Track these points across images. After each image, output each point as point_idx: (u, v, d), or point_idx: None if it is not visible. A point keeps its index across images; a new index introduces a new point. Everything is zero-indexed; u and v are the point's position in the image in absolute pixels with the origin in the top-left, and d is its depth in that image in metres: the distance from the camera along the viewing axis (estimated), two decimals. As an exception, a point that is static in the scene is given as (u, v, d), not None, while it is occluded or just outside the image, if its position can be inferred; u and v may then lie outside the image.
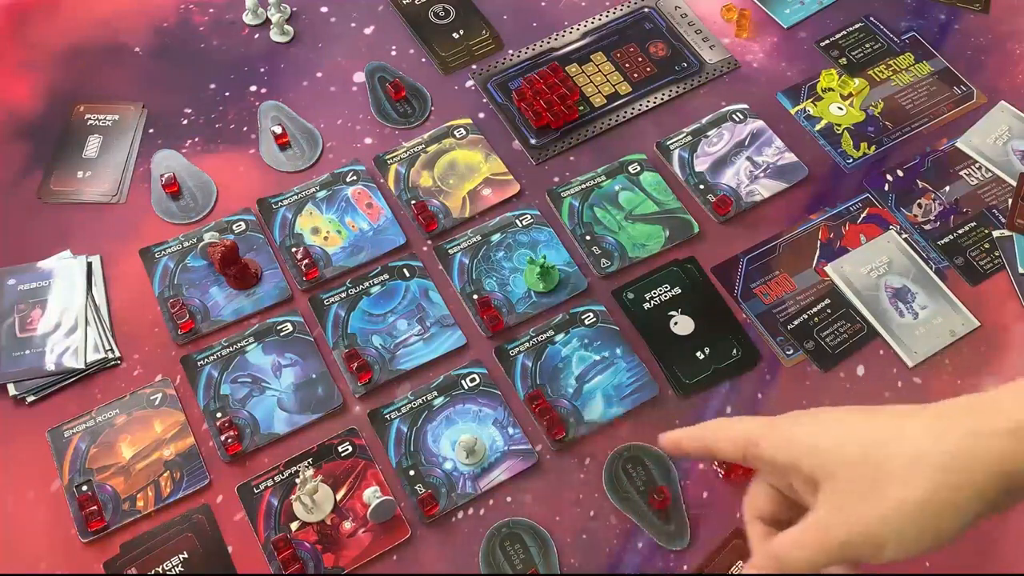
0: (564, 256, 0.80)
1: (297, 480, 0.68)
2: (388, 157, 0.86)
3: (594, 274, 0.80)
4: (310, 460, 0.70)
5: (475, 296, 0.78)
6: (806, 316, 0.78)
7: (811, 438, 0.46)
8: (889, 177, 0.86)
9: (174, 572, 0.66)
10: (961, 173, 0.86)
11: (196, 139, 0.87)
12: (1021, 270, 0.81)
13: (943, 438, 0.43)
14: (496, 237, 0.81)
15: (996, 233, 0.83)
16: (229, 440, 0.70)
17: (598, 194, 0.84)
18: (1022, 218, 0.83)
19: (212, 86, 0.90)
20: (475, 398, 0.73)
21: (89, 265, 0.78)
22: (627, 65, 0.93)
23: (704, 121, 0.89)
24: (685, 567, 0.67)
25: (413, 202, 0.82)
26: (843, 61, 0.94)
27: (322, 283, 0.79)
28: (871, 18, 0.97)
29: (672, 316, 0.77)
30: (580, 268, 0.80)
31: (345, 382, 0.74)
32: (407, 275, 0.79)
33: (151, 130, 0.87)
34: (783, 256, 0.81)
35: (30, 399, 0.72)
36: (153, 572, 0.66)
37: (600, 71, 0.92)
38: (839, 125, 0.89)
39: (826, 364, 0.76)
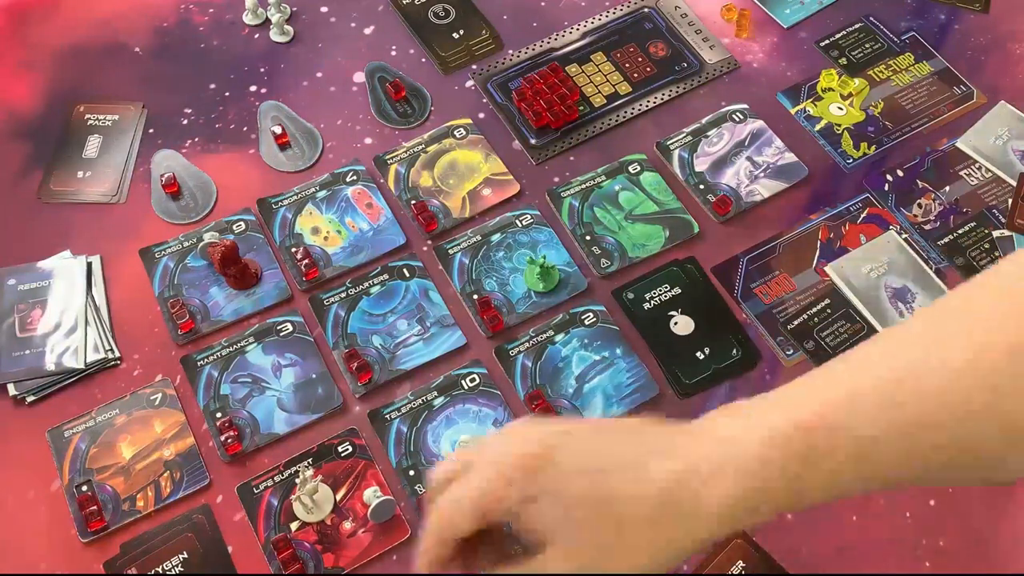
0: (564, 256, 0.80)
1: (297, 480, 0.68)
2: (388, 157, 0.86)
3: (594, 274, 0.80)
4: (310, 460, 0.70)
5: (475, 296, 0.78)
6: (806, 316, 0.78)
7: (547, 507, 0.44)
8: (889, 177, 0.86)
9: (174, 572, 0.66)
10: (961, 173, 0.86)
11: (196, 139, 0.87)
12: (1021, 270, 0.81)
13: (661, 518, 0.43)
14: (496, 237, 0.81)
15: (996, 233, 0.83)
16: (229, 440, 0.70)
17: (598, 194, 0.84)
18: (1022, 218, 0.83)
19: (212, 86, 0.90)
20: (475, 398, 0.73)
21: (89, 265, 0.78)
22: (627, 65, 0.93)
23: (704, 121, 0.89)
24: (685, 567, 0.67)
25: (413, 202, 0.82)
26: (843, 61, 0.94)
27: (322, 283, 0.79)
28: (871, 18, 0.97)
29: (672, 316, 0.77)
30: (580, 268, 0.80)
31: (345, 382, 0.74)
32: (407, 275, 0.79)
33: (151, 130, 0.87)
34: (783, 256, 0.81)
35: (30, 399, 0.72)
36: (153, 572, 0.66)
37: (600, 71, 0.92)
38: (839, 125, 0.89)
39: (826, 364, 0.76)
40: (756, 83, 0.92)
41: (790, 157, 0.87)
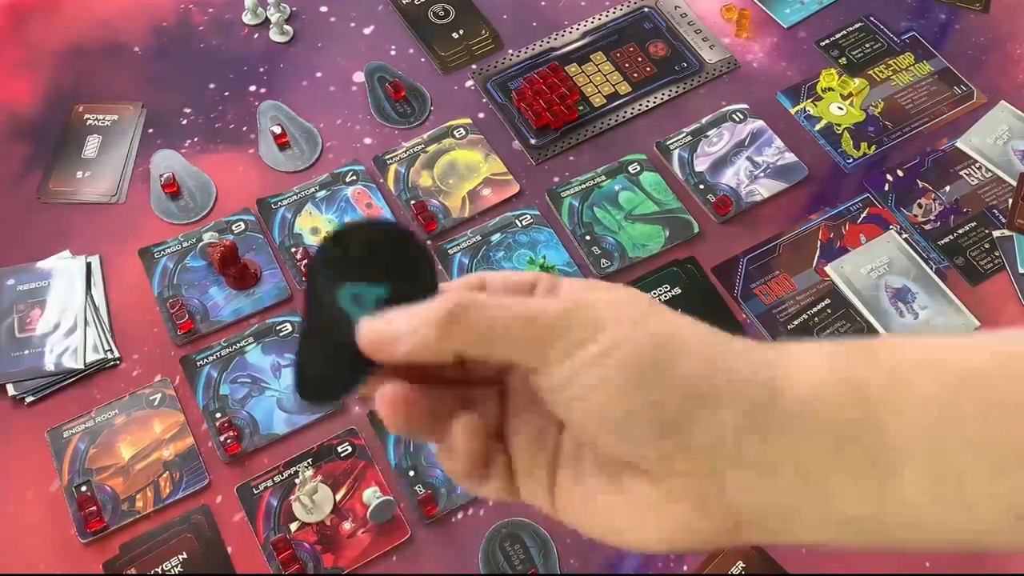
0: (564, 256, 0.80)
1: (297, 480, 0.68)
2: (388, 157, 0.86)
3: (594, 274, 0.80)
4: (309, 460, 0.70)
5: (475, 296, 0.78)
6: (806, 316, 0.78)
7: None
8: (889, 177, 0.86)
9: (173, 572, 0.66)
10: (961, 173, 0.86)
11: (195, 139, 0.87)
12: (1021, 270, 0.81)
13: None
14: (496, 237, 0.81)
15: (996, 233, 0.83)
16: (228, 440, 0.70)
17: (598, 194, 0.84)
18: (1022, 218, 0.83)
19: (212, 86, 0.90)
20: (475, 398, 0.73)
21: (88, 265, 0.78)
22: (627, 65, 0.93)
23: (704, 121, 0.89)
24: (685, 567, 0.67)
25: (413, 202, 0.82)
26: (843, 61, 0.93)
27: (322, 283, 0.79)
28: (871, 18, 0.97)
29: (672, 316, 0.77)
30: (580, 268, 0.80)
31: (345, 382, 0.74)
32: (407, 275, 0.79)
33: (150, 130, 0.87)
34: (783, 256, 0.81)
35: (29, 399, 0.72)
36: (152, 572, 0.65)
37: (600, 71, 0.92)
38: (839, 125, 0.89)
39: (826, 364, 0.76)
40: (756, 83, 0.92)
41: (790, 157, 0.87)
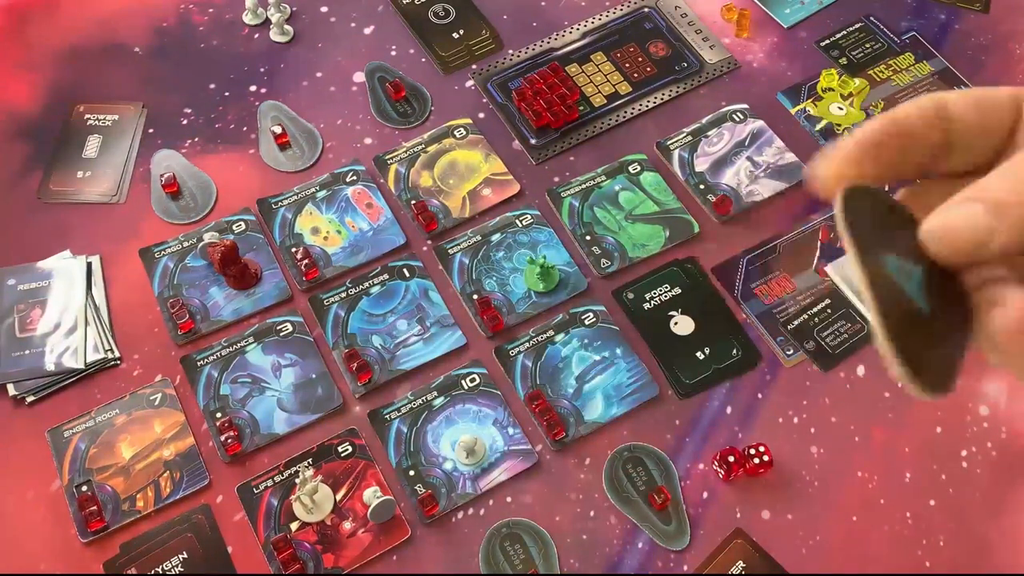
0: (564, 256, 0.80)
1: (297, 480, 0.68)
2: (388, 157, 0.86)
3: (594, 274, 0.80)
4: (310, 460, 0.70)
5: (475, 296, 0.78)
6: (806, 316, 0.78)
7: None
8: (889, 177, 0.86)
9: (174, 572, 0.66)
10: (961, 173, 0.86)
11: (196, 139, 0.87)
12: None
13: None
14: (496, 237, 0.81)
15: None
16: (229, 440, 0.70)
17: (598, 194, 0.84)
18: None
19: (212, 86, 0.90)
20: (475, 398, 0.73)
21: (89, 265, 0.78)
22: (627, 65, 0.93)
23: (704, 121, 0.89)
24: (685, 567, 0.67)
25: (413, 202, 0.82)
26: (843, 61, 0.94)
27: (322, 283, 0.79)
28: (871, 18, 0.97)
29: (672, 316, 0.77)
30: (580, 268, 0.80)
31: (345, 382, 0.74)
32: (407, 275, 0.79)
33: (151, 130, 0.87)
34: (783, 256, 0.81)
35: (30, 399, 0.72)
36: (153, 572, 0.66)
37: (600, 71, 0.92)
38: (839, 125, 0.89)
39: (826, 364, 0.76)
40: (756, 83, 0.92)
41: (790, 157, 0.87)
